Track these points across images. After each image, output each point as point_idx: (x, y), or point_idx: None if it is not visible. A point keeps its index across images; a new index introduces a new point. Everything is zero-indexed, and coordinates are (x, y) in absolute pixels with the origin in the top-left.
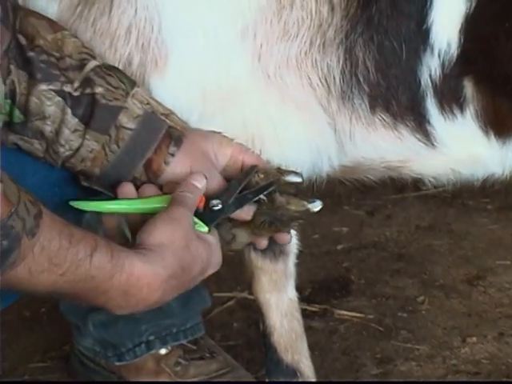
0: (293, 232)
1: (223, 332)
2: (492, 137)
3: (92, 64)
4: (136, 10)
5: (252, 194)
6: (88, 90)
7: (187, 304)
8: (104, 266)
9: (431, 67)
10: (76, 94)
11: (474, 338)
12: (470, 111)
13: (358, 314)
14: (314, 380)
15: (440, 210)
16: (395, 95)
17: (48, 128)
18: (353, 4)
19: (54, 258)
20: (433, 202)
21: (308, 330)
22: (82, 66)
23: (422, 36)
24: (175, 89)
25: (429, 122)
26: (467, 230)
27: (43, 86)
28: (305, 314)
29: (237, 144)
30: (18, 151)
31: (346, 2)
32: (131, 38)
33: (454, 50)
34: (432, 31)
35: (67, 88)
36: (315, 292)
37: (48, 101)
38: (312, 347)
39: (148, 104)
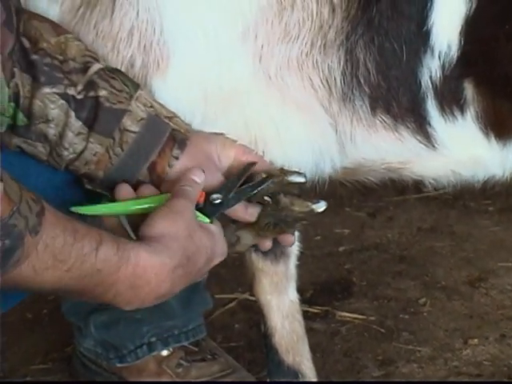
0: (295, 233)
1: (225, 333)
2: (492, 138)
3: (96, 67)
4: (138, 12)
5: (251, 188)
6: (92, 93)
7: (189, 305)
8: (110, 258)
9: (431, 69)
10: (80, 97)
11: (476, 340)
12: (470, 113)
13: (360, 316)
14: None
15: (442, 211)
16: (396, 97)
17: (51, 131)
18: (353, 5)
19: (58, 254)
20: (434, 203)
21: (309, 331)
22: (85, 69)
23: (422, 38)
24: (177, 90)
25: (429, 124)
26: (469, 232)
27: (47, 89)
28: (306, 315)
29: (240, 146)
30: (22, 154)
31: (346, 4)
32: (133, 40)
33: (455, 52)
34: (432, 33)
35: (71, 91)
36: (317, 294)
37: (51, 104)
38: (313, 349)
39: (152, 107)
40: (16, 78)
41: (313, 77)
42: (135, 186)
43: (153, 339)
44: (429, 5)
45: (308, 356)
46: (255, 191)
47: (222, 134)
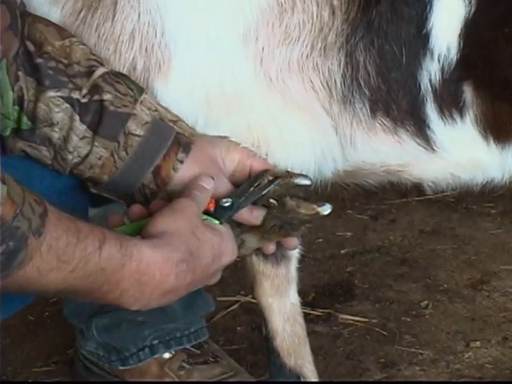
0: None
1: (227, 336)
2: (491, 142)
3: (100, 71)
4: (139, 15)
5: (259, 190)
6: (96, 97)
7: (191, 308)
8: (113, 256)
9: (431, 72)
10: (84, 100)
11: (478, 343)
12: (469, 116)
13: (362, 319)
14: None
15: (444, 214)
16: (395, 99)
17: (56, 135)
18: (353, 8)
19: (62, 255)
20: (436, 206)
21: (311, 334)
22: (90, 72)
23: (421, 40)
24: (179, 92)
25: (429, 127)
26: (471, 235)
27: (51, 93)
28: (308, 318)
29: (244, 149)
30: (26, 159)
31: (346, 6)
32: (135, 42)
33: (454, 55)
34: (432, 36)
35: (75, 95)
36: (319, 296)
37: (56, 107)
38: (315, 351)
39: (156, 111)
40: (20, 81)
41: (313, 79)
42: (144, 194)
43: (155, 342)
44: (428, 8)
45: (310, 359)
46: (263, 193)
47: (226, 137)
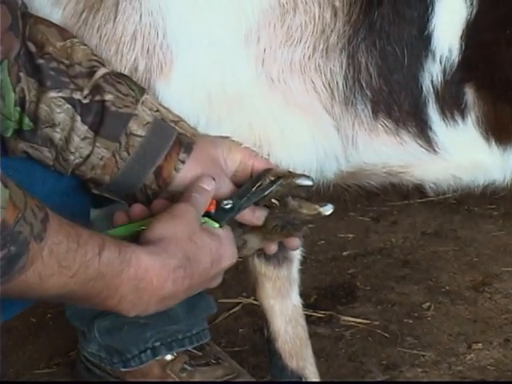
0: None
1: (229, 338)
2: (493, 143)
3: (101, 71)
4: (141, 16)
5: (261, 191)
6: (98, 98)
7: (193, 310)
8: (112, 262)
9: (433, 73)
10: (85, 101)
11: (480, 345)
12: (471, 118)
13: (364, 321)
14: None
15: (446, 216)
16: (397, 101)
17: (57, 135)
18: (355, 9)
19: (63, 260)
20: (438, 208)
21: (313, 336)
22: (91, 73)
23: (423, 42)
24: (181, 93)
25: (430, 128)
26: (473, 237)
27: (53, 94)
28: (310, 320)
29: (246, 149)
30: (27, 160)
31: (348, 8)
32: (136, 43)
33: (456, 57)
34: (433, 37)
35: (77, 95)
36: (321, 298)
37: (58, 108)
38: (318, 353)
39: (157, 111)
40: (22, 82)
41: (315, 80)
42: (146, 194)
43: (157, 344)
44: (430, 9)
45: (312, 361)
46: (266, 193)
47: (227, 137)
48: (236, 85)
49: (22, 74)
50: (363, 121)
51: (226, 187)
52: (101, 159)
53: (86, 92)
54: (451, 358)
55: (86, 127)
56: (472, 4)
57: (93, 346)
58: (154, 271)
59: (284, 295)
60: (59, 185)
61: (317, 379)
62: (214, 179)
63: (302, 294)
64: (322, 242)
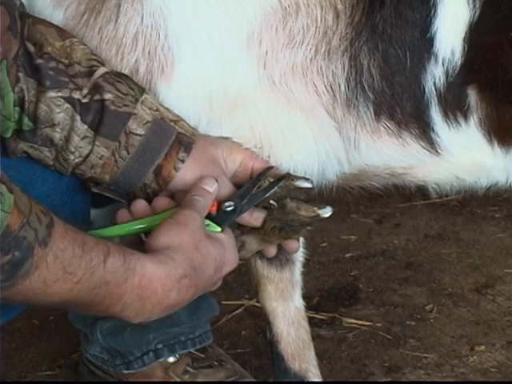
0: (300, 240)
1: (231, 340)
2: (496, 145)
3: (101, 71)
4: (142, 18)
5: (262, 192)
6: (97, 97)
7: (195, 312)
8: (117, 269)
9: (435, 75)
10: (85, 100)
11: (483, 347)
12: (473, 119)
13: (367, 323)
14: None
15: (448, 218)
16: (400, 103)
17: (57, 135)
18: (357, 12)
19: (67, 266)
20: (441, 210)
21: (316, 338)
22: (90, 72)
23: (426, 44)
24: (182, 95)
25: (433, 130)
26: (475, 239)
27: (52, 93)
28: (313, 322)
29: (246, 150)
30: (27, 161)
31: (350, 10)
32: (138, 45)
33: (458, 59)
34: (436, 39)
35: (76, 95)
36: (323, 300)
37: (57, 108)
38: (320, 355)
39: (157, 110)
40: (21, 82)
41: (317, 83)
42: (146, 193)
43: (159, 346)
44: (432, 11)
45: (314, 363)
46: (267, 195)
47: (228, 138)
48: (237, 87)
49: (21, 74)
50: (365, 123)
51: (226, 188)
52: (100, 158)
53: (85, 91)
54: (454, 360)
55: (85, 126)
56: (475, 6)
57: (95, 348)
58: (159, 281)
59: (286, 297)
60: (59, 184)
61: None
62: (216, 180)
63: (305, 296)
64: (325, 244)
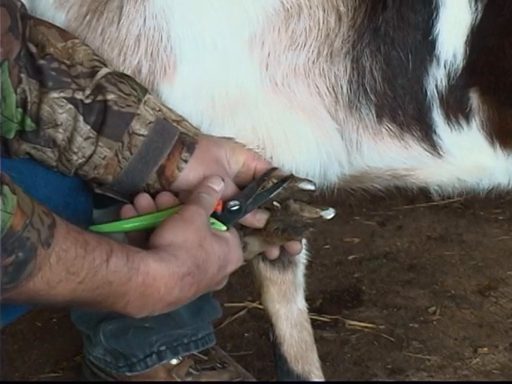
0: (302, 242)
1: (234, 342)
2: (498, 147)
3: (104, 71)
4: (145, 19)
5: (267, 193)
6: (100, 97)
7: (198, 314)
8: (120, 269)
9: (437, 78)
10: (88, 101)
11: (486, 349)
12: (475, 122)
13: (370, 325)
14: None
15: (451, 220)
16: (402, 105)
17: (60, 136)
18: (360, 14)
19: (70, 267)
20: (444, 212)
21: (319, 340)
22: (93, 73)
23: (428, 47)
24: (184, 96)
25: (435, 132)
26: (478, 241)
27: (54, 94)
28: (316, 324)
29: (249, 151)
30: (30, 162)
31: (353, 12)
32: (140, 46)
33: (460, 61)
34: (438, 42)
35: (79, 95)
36: (326, 302)
37: (60, 108)
38: (323, 358)
39: (160, 111)
40: (23, 83)
41: (319, 84)
42: (149, 193)
43: (162, 348)
44: (434, 14)
45: (317, 365)
46: (271, 196)
47: (231, 138)
48: (240, 88)
49: (23, 76)
50: (367, 125)
51: (230, 188)
52: (103, 159)
53: (87, 92)
54: (457, 363)
55: (88, 127)
56: (477, 9)
57: (98, 350)
58: (163, 279)
59: (289, 299)
60: (62, 186)
61: None
62: (223, 179)
63: (308, 299)
64: (328, 246)
